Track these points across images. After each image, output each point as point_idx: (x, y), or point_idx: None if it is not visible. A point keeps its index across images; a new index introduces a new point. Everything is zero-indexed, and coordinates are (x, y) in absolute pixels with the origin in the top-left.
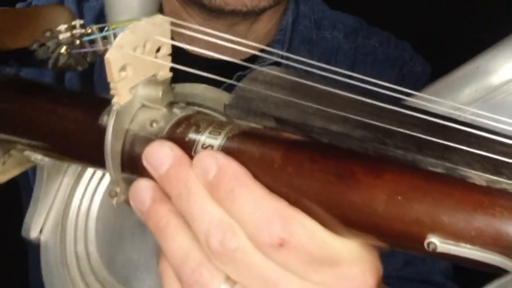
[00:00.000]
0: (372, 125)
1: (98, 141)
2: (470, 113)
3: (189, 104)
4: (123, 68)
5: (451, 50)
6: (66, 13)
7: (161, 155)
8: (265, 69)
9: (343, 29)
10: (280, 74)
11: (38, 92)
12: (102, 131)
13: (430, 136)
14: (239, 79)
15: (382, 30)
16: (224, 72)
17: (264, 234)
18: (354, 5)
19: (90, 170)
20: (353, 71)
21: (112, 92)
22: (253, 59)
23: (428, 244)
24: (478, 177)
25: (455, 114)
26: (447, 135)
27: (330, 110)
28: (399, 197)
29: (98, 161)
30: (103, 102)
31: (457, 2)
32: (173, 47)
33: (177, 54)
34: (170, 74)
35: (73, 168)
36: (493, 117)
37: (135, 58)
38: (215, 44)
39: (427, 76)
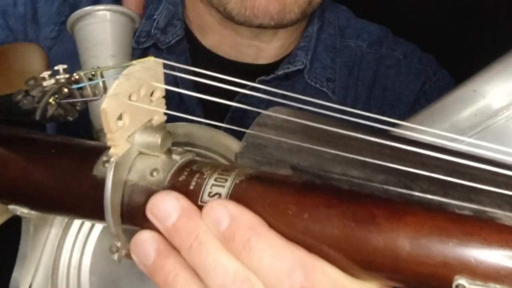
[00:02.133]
0: (394, 168)
1: (94, 193)
2: (467, 143)
3: (181, 144)
4: (119, 117)
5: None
6: (39, 52)
7: (167, 207)
8: (273, 113)
9: (368, 38)
10: (289, 118)
11: (21, 144)
12: (98, 182)
13: (455, 177)
14: (261, 83)
15: (407, 42)
16: (247, 75)
17: (285, 285)
18: (380, 13)
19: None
20: (374, 82)
21: (109, 143)
22: (275, 65)
23: (457, 286)
24: (508, 217)
25: (452, 144)
26: (473, 175)
27: (347, 154)
28: (424, 240)
29: (94, 214)
30: (94, 149)
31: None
32: (198, 47)
33: (204, 54)
34: (164, 118)
35: (61, 218)
36: (493, 147)
37: (131, 106)
38: (239, 48)
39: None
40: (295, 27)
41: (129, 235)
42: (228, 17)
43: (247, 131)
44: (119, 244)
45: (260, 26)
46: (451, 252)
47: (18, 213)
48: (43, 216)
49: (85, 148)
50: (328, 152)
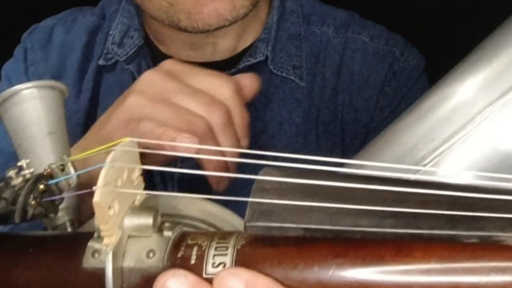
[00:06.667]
0: (400, 212)
1: (87, 287)
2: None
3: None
4: (110, 206)
5: (448, 44)
6: None
7: (176, 287)
8: (267, 177)
9: (333, 23)
10: (286, 179)
11: None
12: (90, 275)
13: (456, 209)
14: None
15: (375, 24)
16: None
17: None
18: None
19: None
20: (341, 66)
21: (103, 234)
22: (236, 59)
23: None
24: (511, 238)
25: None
26: (472, 204)
27: (353, 206)
28: (433, 270)
29: None
30: (75, 240)
31: None
32: (159, 54)
33: (165, 59)
34: (144, 195)
35: None
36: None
37: (119, 192)
38: (197, 48)
39: (421, 69)
40: (248, 16)
41: None
42: (185, 32)
43: (250, 199)
44: None
45: (218, 29)
46: (461, 277)
47: None
48: None
49: (65, 241)
50: (334, 206)
